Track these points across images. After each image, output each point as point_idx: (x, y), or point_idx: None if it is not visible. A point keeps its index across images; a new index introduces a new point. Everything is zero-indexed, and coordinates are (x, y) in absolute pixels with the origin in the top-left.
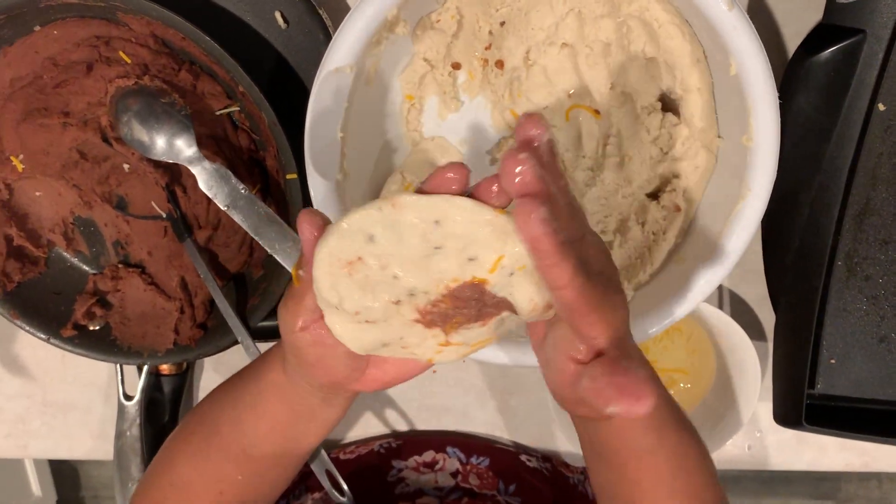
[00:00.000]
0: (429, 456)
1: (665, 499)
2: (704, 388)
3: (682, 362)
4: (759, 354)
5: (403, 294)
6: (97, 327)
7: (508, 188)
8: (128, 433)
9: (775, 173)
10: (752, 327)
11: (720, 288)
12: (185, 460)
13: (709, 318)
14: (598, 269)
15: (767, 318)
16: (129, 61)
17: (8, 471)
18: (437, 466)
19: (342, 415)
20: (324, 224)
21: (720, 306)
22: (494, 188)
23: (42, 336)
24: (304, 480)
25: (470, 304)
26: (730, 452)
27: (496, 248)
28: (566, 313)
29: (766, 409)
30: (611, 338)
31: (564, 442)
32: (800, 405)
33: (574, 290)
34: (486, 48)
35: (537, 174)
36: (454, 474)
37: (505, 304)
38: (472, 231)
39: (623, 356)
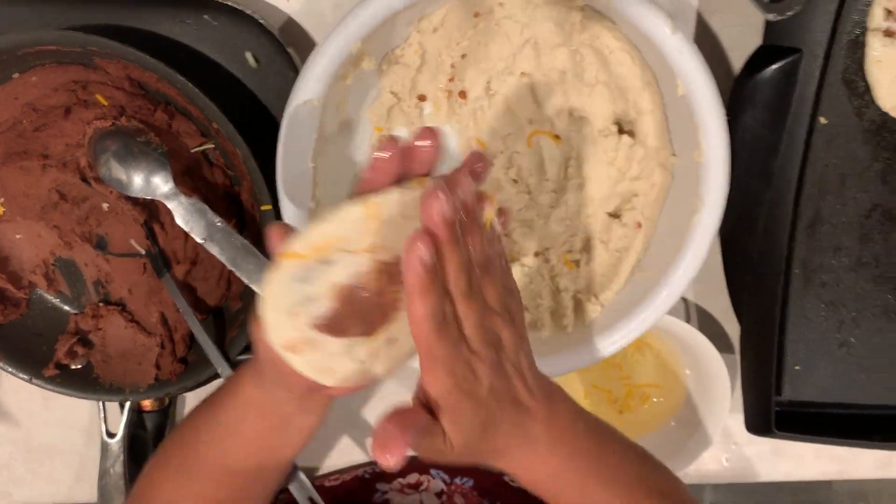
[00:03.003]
0: (413, 478)
1: None
2: (677, 401)
3: (654, 377)
4: (730, 366)
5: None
6: (79, 366)
7: (426, 211)
8: (111, 471)
9: (727, 186)
10: (721, 340)
11: (686, 303)
12: (166, 483)
13: (677, 332)
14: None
15: (734, 330)
16: (105, 104)
17: None
18: (422, 487)
19: (319, 423)
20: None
21: (688, 320)
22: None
23: (24, 377)
24: None
25: (362, 308)
26: (707, 466)
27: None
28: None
29: (740, 421)
30: (439, 391)
31: None
32: (768, 413)
33: (421, 330)
34: (450, 80)
35: (447, 219)
36: (439, 494)
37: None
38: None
39: (438, 411)
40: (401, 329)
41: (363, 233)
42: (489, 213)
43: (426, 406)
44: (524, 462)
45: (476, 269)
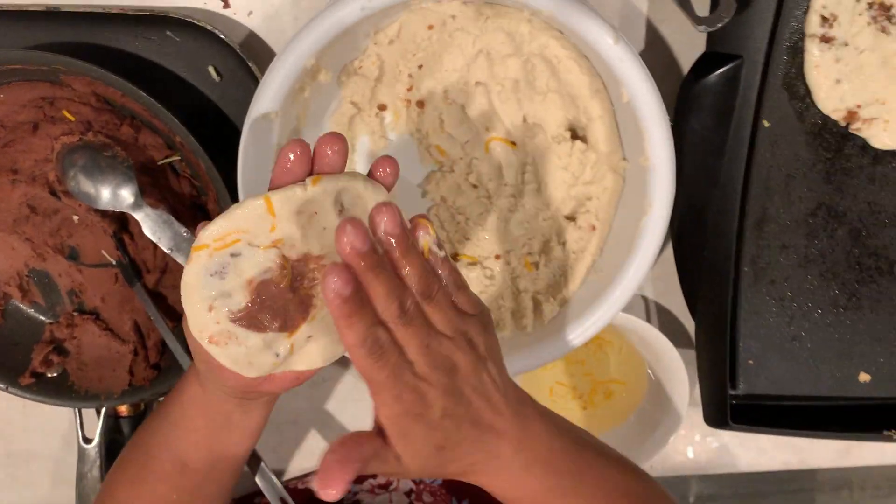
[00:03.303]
0: (383, 479)
1: None
2: (639, 396)
3: (617, 373)
4: (690, 361)
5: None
6: (55, 374)
7: (338, 247)
8: (89, 475)
9: (673, 189)
10: (681, 336)
11: (647, 301)
12: (124, 488)
13: (636, 329)
14: (406, 359)
15: (692, 326)
16: (72, 119)
17: None
18: (392, 487)
19: (263, 422)
20: None
21: (648, 318)
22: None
23: (0, 386)
24: None
25: (277, 304)
26: (672, 459)
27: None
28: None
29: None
30: (386, 416)
31: None
32: (724, 406)
33: (356, 358)
34: (408, 90)
35: (359, 250)
36: (408, 493)
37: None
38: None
39: (389, 435)
40: (320, 328)
41: (265, 228)
42: (425, 241)
43: (378, 430)
44: (498, 481)
45: (412, 296)
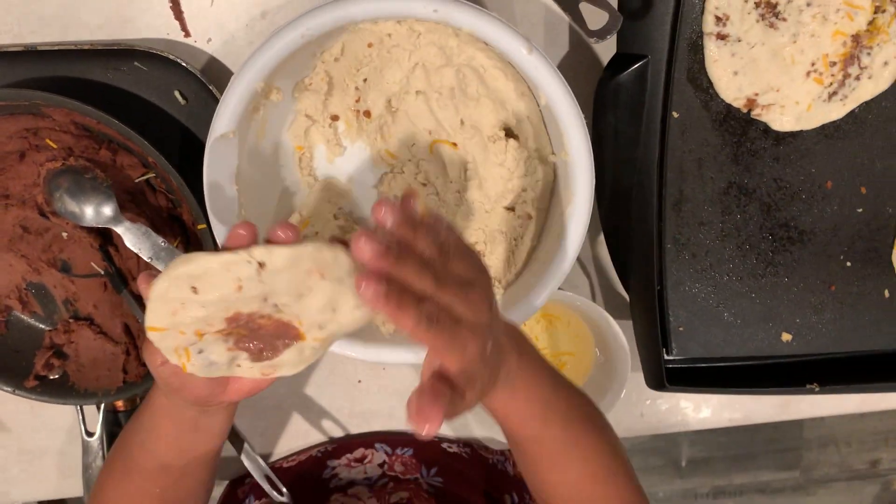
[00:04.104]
0: (359, 453)
1: (561, 471)
2: (588, 365)
3: (568, 346)
4: (630, 330)
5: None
6: (56, 376)
7: (360, 260)
8: (93, 465)
9: (593, 179)
10: (624, 308)
11: (590, 278)
12: (110, 487)
13: (579, 305)
14: (458, 312)
15: None
16: (55, 146)
17: None
18: (367, 460)
19: (227, 422)
20: None
21: (592, 293)
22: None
23: (8, 389)
24: (252, 491)
25: (254, 332)
26: (626, 421)
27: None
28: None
29: None
30: (457, 369)
31: (480, 429)
32: (660, 370)
33: (418, 336)
34: (356, 101)
35: (377, 254)
36: (381, 465)
37: (287, 333)
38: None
39: (459, 382)
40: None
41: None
42: (421, 206)
43: (442, 379)
44: (502, 395)
45: (434, 263)
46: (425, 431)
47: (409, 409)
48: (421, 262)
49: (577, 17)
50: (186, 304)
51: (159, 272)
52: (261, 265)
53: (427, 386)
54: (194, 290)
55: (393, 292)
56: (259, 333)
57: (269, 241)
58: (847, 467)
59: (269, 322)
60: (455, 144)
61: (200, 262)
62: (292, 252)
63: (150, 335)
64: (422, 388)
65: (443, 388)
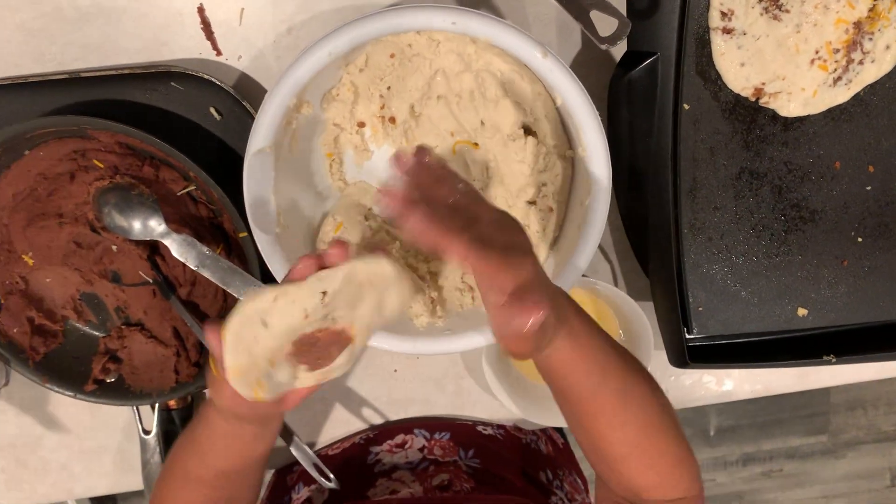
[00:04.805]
0: (399, 439)
1: (619, 427)
2: None
3: None
4: (652, 312)
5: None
6: (112, 379)
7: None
8: (151, 461)
9: (610, 172)
10: (645, 291)
11: (611, 264)
12: (171, 491)
13: (602, 290)
14: (500, 241)
15: None
16: (102, 166)
17: None
18: (407, 445)
19: (280, 427)
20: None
21: (614, 278)
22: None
23: (69, 394)
24: (301, 478)
25: (312, 346)
26: None
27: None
28: (477, 277)
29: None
30: (516, 285)
31: (514, 411)
32: (682, 349)
33: (472, 259)
34: (381, 108)
35: (405, 193)
36: (421, 449)
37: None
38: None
39: (526, 290)
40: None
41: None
42: (432, 156)
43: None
44: (565, 346)
45: (460, 204)
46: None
47: None
48: (448, 176)
49: (587, 24)
50: (259, 339)
51: (221, 321)
52: (323, 294)
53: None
54: (264, 324)
55: (432, 218)
56: (317, 346)
57: (321, 263)
58: (875, 429)
59: (325, 334)
60: (476, 144)
61: (267, 298)
62: (347, 271)
63: (233, 379)
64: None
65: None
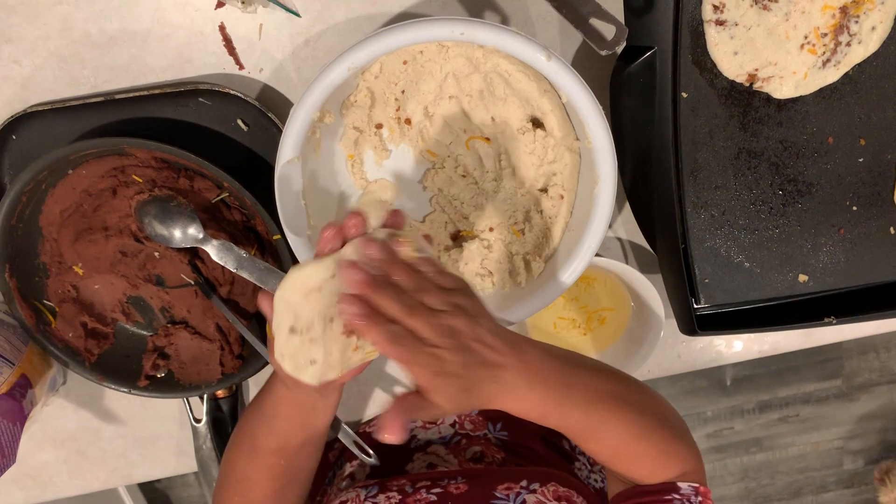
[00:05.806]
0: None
1: (596, 442)
2: (626, 318)
3: (606, 302)
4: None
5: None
6: (162, 374)
7: (347, 284)
8: (203, 447)
9: (615, 162)
10: (654, 264)
11: (621, 241)
12: (240, 462)
13: (612, 267)
14: (419, 337)
15: None
16: (140, 181)
17: (107, 501)
18: (439, 421)
19: (339, 399)
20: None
21: (624, 254)
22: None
23: (124, 390)
24: (342, 455)
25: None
26: (665, 362)
27: None
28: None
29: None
30: (423, 382)
31: None
32: (690, 318)
33: (382, 349)
34: (397, 110)
35: (360, 282)
36: (452, 424)
37: None
38: None
39: (427, 392)
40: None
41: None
42: (406, 251)
43: (417, 390)
44: (511, 403)
45: (410, 293)
46: (386, 439)
47: (379, 420)
48: (394, 292)
49: (587, 32)
50: (310, 302)
51: (269, 293)
52: None
53: (396, 401)
54: (309, 293)
55: (366, 314)
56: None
57: (343, 233)
58: (888, 371)
59: None
60: (488, 139)
61: (307, 269)
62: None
63: (280, 358)
64: (393, 402)
65: (411, 401)
